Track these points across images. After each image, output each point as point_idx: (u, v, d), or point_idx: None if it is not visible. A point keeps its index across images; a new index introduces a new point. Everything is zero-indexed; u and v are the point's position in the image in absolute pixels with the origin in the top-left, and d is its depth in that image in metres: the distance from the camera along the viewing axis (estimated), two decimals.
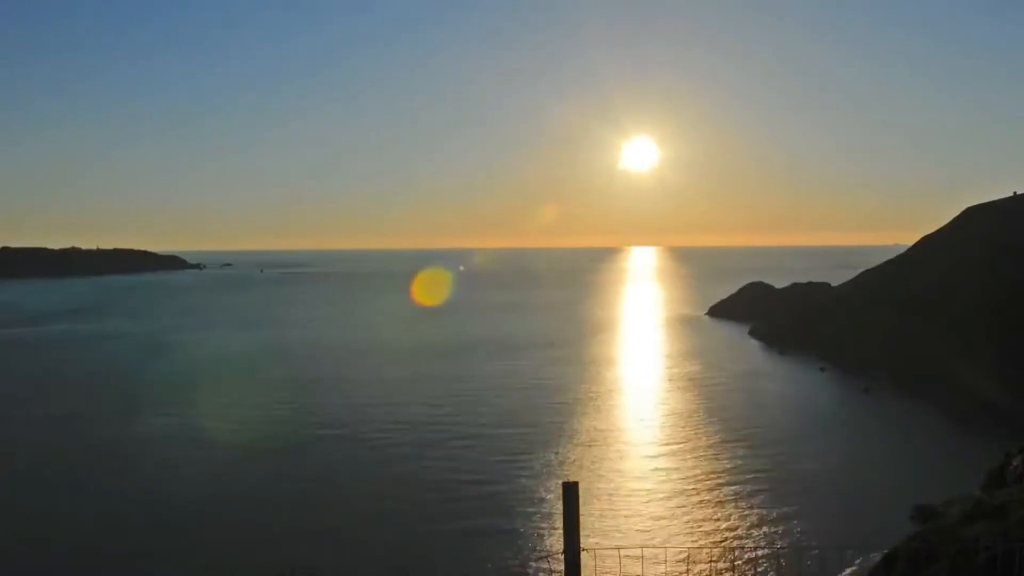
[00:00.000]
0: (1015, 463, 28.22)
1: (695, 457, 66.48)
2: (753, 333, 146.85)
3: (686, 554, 45.09)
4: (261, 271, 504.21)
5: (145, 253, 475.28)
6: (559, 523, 7.19)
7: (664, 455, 67.36)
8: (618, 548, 44.43)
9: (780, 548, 45.88)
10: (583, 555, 6.82)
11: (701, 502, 54.84)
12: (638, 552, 41.78)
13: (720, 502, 54.73)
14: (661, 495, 56.30)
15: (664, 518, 51.71)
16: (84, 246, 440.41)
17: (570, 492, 7.00)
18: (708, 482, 59.38)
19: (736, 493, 56.47)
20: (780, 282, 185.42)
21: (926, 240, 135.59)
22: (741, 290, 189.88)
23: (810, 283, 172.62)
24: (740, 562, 44.41)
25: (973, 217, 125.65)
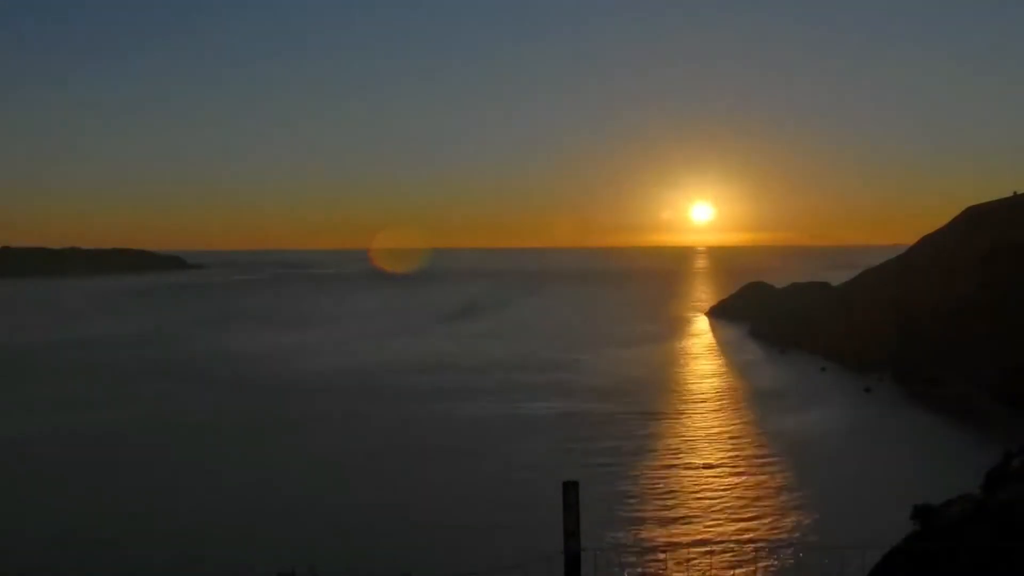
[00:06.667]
0: (1015, 463, 28.20)
1: (693, 457, 66.53)
2: (753, 333, 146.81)
3: (685, 554, 45.11)
4: (264, 271, 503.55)
5: (145, 253, 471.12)
6: (559, 523, 7.13)
7: (662, 455, 67.40)
8: (618, 548, 44.45)
9: (779, 548, 45.89)
10: (583, 555, 6.82)
11: (699, 501, 54.87)
12: (638, 552, 41.83)
13: (719, 501, 54.76)
14: (659, 494, 56.31)
15: (662, 517, 51.72)
16: (84, 246, 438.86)
17: (570, 491, 7.00)
18: (707, 482, 59.44)
19: (735, 493, 56.51)
20: (780, 282, 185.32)
21: (926, 240, 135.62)
22: (741, 290, 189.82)
23: (810, 283, 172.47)
24: (739, 562, 44.43)
25: (973, 217, 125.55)
